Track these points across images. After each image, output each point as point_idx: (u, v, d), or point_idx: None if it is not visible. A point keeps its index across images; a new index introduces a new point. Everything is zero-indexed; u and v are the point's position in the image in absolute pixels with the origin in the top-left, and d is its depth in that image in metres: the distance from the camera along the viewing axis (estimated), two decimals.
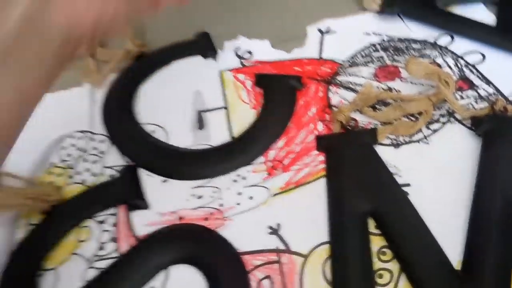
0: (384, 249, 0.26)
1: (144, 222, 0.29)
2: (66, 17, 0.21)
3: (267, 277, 0.26)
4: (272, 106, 0.34)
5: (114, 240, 0.29)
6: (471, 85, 0.33)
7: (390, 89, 0.33)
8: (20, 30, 0.20)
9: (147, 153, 0.32)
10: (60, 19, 0.21)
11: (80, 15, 0.22)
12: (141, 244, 0.28)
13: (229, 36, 0.39)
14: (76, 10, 0.22)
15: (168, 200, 0.30)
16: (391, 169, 0.28)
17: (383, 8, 0.38)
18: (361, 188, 0.28)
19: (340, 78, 0.35)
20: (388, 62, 0.35)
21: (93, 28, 0.23)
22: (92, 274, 0.27)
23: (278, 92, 0.34)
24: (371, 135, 0.30)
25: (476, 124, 0.29)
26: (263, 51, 0.38)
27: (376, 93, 0.31)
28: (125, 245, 0.28)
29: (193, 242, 0.28)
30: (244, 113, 0.34)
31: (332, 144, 0.30)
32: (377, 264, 0.25)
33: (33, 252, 0.28)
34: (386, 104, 0.32)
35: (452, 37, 0.36)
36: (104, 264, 0.28)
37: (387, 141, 0.30)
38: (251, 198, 0.29)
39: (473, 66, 0.34)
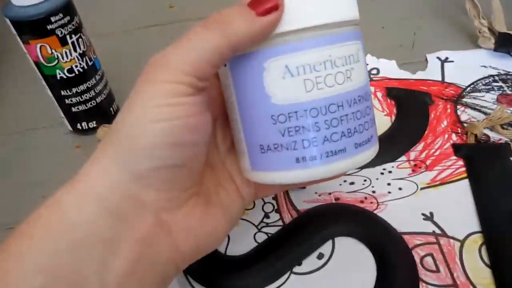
0: None
1: (302, 199, 0.33)
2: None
3: (429, 254, 0.29)
4: (407, 115, 0.38)
5: (277, 211, 0.32)
6: None
7: None
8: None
9: None
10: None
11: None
12: (306, 215, 0.31)
13: None
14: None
15: (322, 183, 0.33)
16: None
17: (496, 46, 0.43)
18: (504, 192, 0.31)
19: (465, 99, 0.39)
20: (509, 91, 0.40)
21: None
22: (261, 237, 0.30)
23: (411, 104, 0.39)
24: (505, 149, 0.34)
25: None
26: (390, 70, 0.43)
27: (508, 115, 0.36)
28: (287, 216, 0.32)
29: (355, 218, 0.31)
30: (379, 119, 0.38)
31: (470, 153, 0.34)
32: None
33: None
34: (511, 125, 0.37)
35: None
36: (271, 230, 0.31)
37: None
38: (400, 189, 0.33)
39: None
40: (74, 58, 0.36)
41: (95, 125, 0.40)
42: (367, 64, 0.43)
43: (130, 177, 0.19)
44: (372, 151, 0.22)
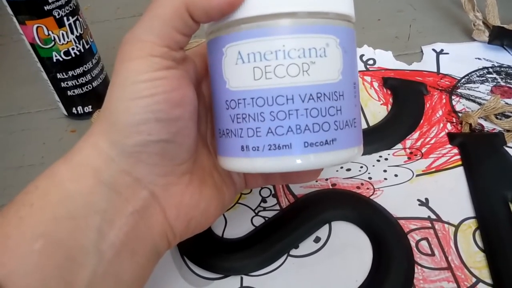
0: None
1: (300, 184, 0.33)
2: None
3: (424, 239, 0.29)
4: (403, 104, 0.38)
5: (274, 196, 0.32)
6: None
7: (509, 105, 0.38)
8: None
9: None
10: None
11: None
12: (303, 200, 0.31)
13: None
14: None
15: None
16: None
17: (490, 39, 0.44)
18: (498, 179, 0.32)
19: (460, 90, 0.40)
20: (502, 83, 0.40)
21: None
22: (258, 221, 0.31)
23: (407, 93, 0.39)
24: (500, 138, 0.34)
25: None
26: (386, 61, 0.43)
27: (502, 105, 0.36)
28: (284, 201, 0.32)
29: (352, 203, 0.31)
30: (375, 108, 0.39)
31: (465, 141, 0.35)
32: None
33: None
34: (506, 116, 0.37)
35: None
36: (268, 214, 0.31)
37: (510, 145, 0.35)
38: (396, 175, 0.33)
39: None
40: (71, 41, 0.35)
41: (90, 110, 0.40)
42: (363, 55, 0.44)
43: (120, 153, 0.20)
44: (332, 155, 0.20)
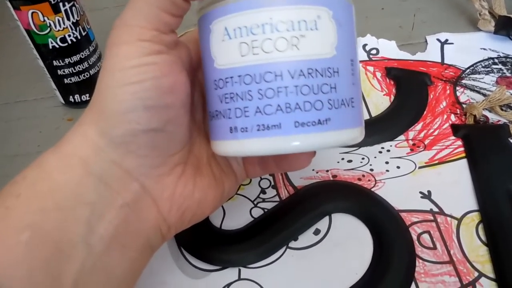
0: None
1: (299, 176, 0.32)
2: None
3: (426, 232, 0.28)
4: (406, 94, 0.38)
5: (274, 187, 0.32)
6: None
7: None
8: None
9: None
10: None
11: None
12: (303, 191, 0.31)
13: (358, 33, 0.43)
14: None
15: (320, 161, 0.33)
16: None
17: (496, 29, 0.43)
18: (503, 171, 0.31)
19: (464, 81, 0.39)
20: (508, 74, 0.39)
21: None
22: (257, 212, 0.30)
23: (410, 84, 0.38)
24: (505, 130, 0.34)
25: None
26: (390, 51, 0.42)
27: (507, 96, 0.35)
28: (284, 192, 0.31)
29: (352, 195, 0.30)
30: (378, 99, 0.38)
31: (469, 133, 0.34)
32: None
33: None
34: (511, 107, 0.36)
35: None
36: (267, 205, 0.30)
37: None
38: (398, 167, 0.32)
39: None
40: (67, 27, 0.34)
41: (88, 98, 0.39)
42: (366, 45, 0.43)
43: (109, 143, 0.19)
44: (326, 136, 0.18)
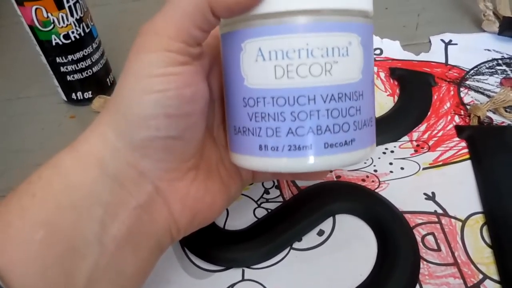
0: None
1: None
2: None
3: (431, 233, 0.28)
4: (410, 95, 0.38)
5: (277, 187, 0.32)
6: None
7: None
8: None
9: None
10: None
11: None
12: (307, 192, 0.31)
13: None
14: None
15: None
16: None
17: (501, 30, 0.43)
18: (507, 173, 0.31)
19: (468, 82, 0.39)
20: None
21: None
22: (261, 212, 0.30)
23: (414, 84, 0.38)
24: (509, 131, 0.34)
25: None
26: (393, 51, 0.42)
27: (511, 98, 0.35)
28: (288, 193, 0.31)
29: (356, 196, 0.30)
30: (382, 99, 0.38)
31: (473, 135, 0.34)
32: None
33: None
34: None
35: None
36: (271, 205, 0.30)
37: None
38: (402, 168, 0.32)
39: None
40: (70, 24, 0.34)
41: (90, 96, 0.39)
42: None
43: (127, 145, 0.19)
44: (350, 156, 0.20)
